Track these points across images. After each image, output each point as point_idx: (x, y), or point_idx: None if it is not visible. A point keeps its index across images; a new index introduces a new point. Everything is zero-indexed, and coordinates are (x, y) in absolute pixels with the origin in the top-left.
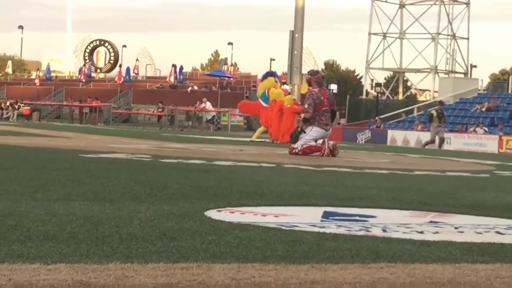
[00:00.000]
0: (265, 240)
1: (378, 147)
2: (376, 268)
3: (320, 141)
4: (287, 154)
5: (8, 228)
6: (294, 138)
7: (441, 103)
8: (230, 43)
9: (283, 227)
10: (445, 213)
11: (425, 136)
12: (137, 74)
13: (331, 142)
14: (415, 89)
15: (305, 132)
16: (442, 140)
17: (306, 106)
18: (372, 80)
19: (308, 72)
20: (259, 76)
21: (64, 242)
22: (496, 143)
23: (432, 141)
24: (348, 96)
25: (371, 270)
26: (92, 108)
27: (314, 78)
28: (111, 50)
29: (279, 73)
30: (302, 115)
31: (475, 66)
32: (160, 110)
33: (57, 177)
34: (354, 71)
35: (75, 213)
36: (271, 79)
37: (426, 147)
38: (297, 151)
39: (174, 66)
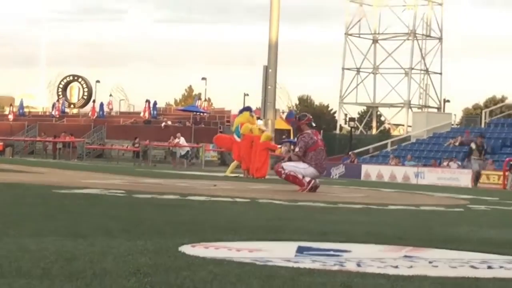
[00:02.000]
0: (240, 275)
1: (352, 181)
2: None
3: (307, 179)
4: (261, 188)
5: None
6: None
7: (482, 136)
8: (203, 78)
9: (258, 262)
10: (420, 247)
11: (399, 171)
12: (111, 109)
13: (317, 181)
14: (389, 123)
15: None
16: (478, 176)
17: (297, 149)
18: (345, 115)
19: (295, 117)
20: (233, 111)
21: (38, 278)
22: (470, 178)
23: (478, 172)
24: (322, 131)
25: None
26: (66, 144)
27: (305, 121)
28: (84, 85)
29: (253, 108)
30: (277, 151)
31: (448, 101)
32: (136, 145)
33: (30, 213)
34: (327, 106)
35: (48, 248)
36: (246, 113)
37: (478, 184)
38: (282, 172)
39: (148, 101)
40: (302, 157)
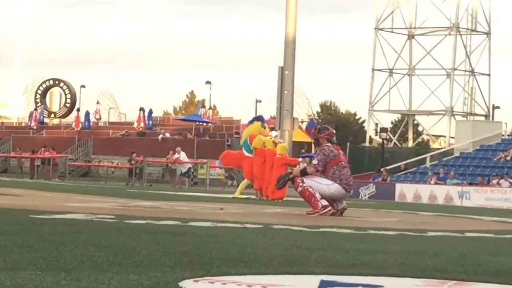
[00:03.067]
0: None
1: (385, 203)
2: None
3: (324, 202)
4: (276, 212)
5: None
6: (281, 184)
7: None
8: (208, 82)
9: None
10: (465, 281)
11: (440, 191)
12: (98, 119)
13: (343, 204)
14: (428, 134)
15: (291, 180)
16: None
17: (315, 161)
18: (376, 124)
19: (316, 128)
20: (243, 121)
21: None
22: None
23: None
24: (348, 144)
25: None
26: (45, 160)
27: (326, 134)
28: (67, 91)
29: (266, 117)
30: (299, 167)
31: (497, 107)
32: (133, 162)
33: (3, 243)
34: (355, 114)
35: (25, 284)
36: (256, 124)
37: None
38: (299, 185)
39: (142, 109)
40: (321, 172)
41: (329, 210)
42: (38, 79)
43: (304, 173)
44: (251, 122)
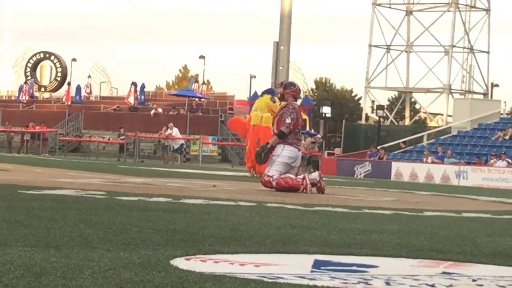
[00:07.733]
0: None
1: (380, 182)
2: None
3: (300, 176)
4: (270, 190)
5: None
6: (263, 157)
7: None
8: (201, 57)
9: (266, 279)
10: (461, 262)
11: (437, 170)
12: (90, 93)
13: (315, 174)
14: (425, 112)
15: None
16: None
17: (288, 120)
18: (373, 101)
19: (281, 84)
20: (237, 97)
21: None
22: None
23: None
24: (344, 121)
25: None
26: (35, 135)
27: (291, 91)
28: (58, 64)
29: (260, 92)
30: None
31: (496, 85)
32: (122, 138)
33: None
34: (351, 91)
35: (13, 261)
36: (266, 97)
37: None
38: (271, 180)
39: (134, 84)
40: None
41: (310, 178)
42: (28, 52)
43: (282, 135)
44: (260, 95)
